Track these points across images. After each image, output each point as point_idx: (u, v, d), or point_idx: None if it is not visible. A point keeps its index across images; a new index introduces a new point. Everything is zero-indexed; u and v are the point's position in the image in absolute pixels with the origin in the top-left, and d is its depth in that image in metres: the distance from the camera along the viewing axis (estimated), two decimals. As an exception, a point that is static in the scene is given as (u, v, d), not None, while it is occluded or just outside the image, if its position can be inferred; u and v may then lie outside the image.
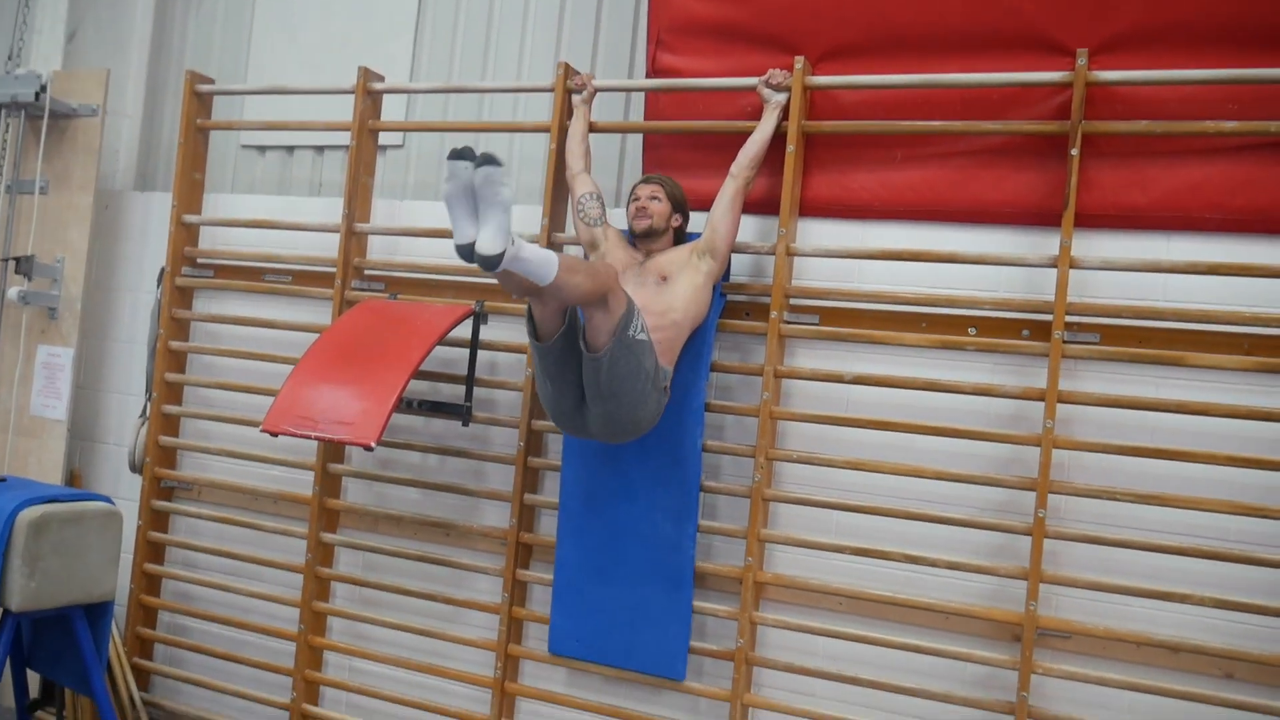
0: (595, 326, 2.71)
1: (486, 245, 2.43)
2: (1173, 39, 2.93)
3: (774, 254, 3.21)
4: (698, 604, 3.24)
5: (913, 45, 3.18)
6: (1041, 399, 2.91)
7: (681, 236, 3.24)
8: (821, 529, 3.20)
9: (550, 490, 3.50)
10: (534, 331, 2.80)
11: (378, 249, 3.91)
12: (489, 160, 2.42)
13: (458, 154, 2.44)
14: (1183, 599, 2.78)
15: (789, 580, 3.19)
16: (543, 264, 2.52)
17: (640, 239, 3.19)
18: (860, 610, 3.13)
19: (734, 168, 3.14)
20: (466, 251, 2.47)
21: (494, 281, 3.55)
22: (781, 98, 3.19)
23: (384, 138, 3.99)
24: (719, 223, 3.11)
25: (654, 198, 3.16)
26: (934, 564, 3.03)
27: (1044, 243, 3.01)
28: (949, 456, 3.06)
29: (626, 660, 3.27)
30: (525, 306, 2.79)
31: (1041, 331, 2.97)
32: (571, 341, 2.78)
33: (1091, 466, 2.94)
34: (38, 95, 4.19)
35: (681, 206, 3.21)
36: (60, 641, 3.55)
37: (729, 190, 3.12)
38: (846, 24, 3.24)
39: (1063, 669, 2.87)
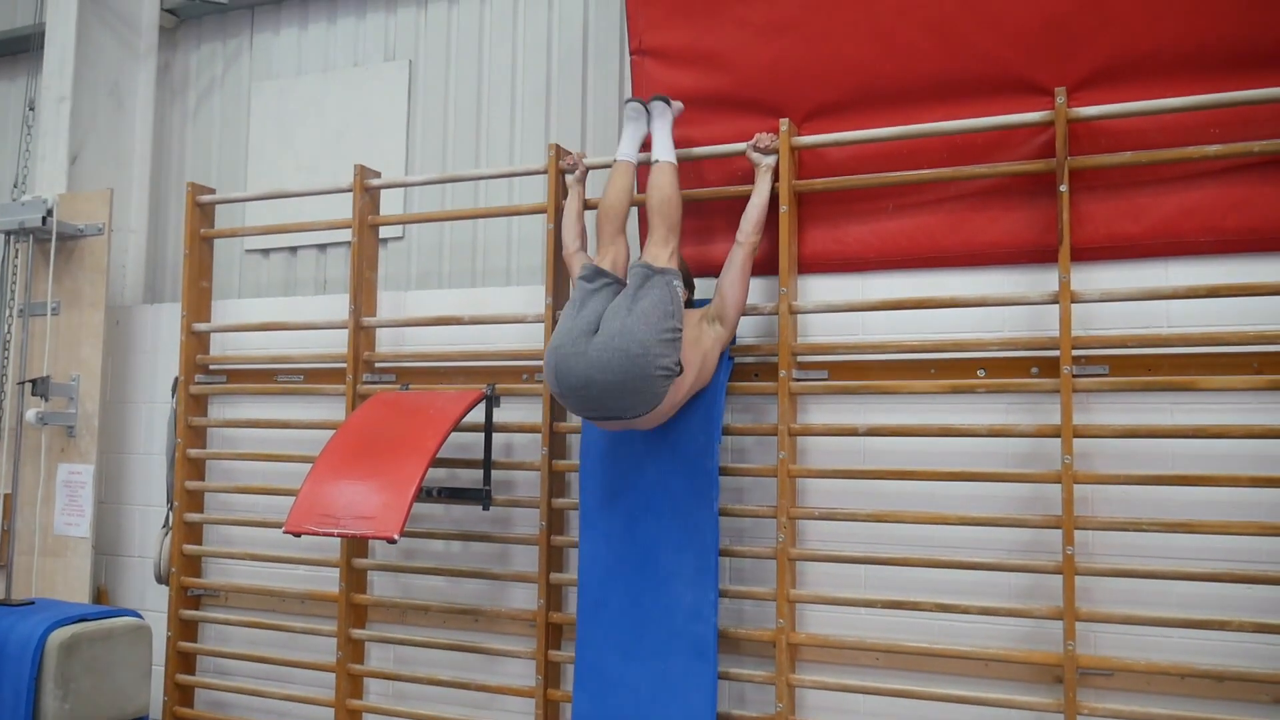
0: (652, 251, 3.08)
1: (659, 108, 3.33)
2: (1148, 69, 2.97)
3: (777, 314, 3.23)
4: (734, 670, 3.21)
5: (894, 98, 3.23)
6: (1057, 435, 2.91)
7: (690, 305, 3.27)
8: (850, 584, 3.18)
9: (575, 568, 3.48)
10: (594, 269, 3.10)
11: (386, 341, 3.95)
12: (663, 99, 3.35)
13: (634, 100, 3.37)
14: (1221, 626, 2.74)
15: (823, 639, 3.16)
16: (671, 146, 3.29)
17: None
18: (897, 664, 3.09)
19: (739, 235, 3.18)
20: (638, 99, 3.37)
21: (505, 364, 3.60)
22: (771, 160, 3.24)
23: (384, 231, 4.06)
24: (728, 290, 3.14)
25: None
26: (967, 610, 3.00)
27: (1043, 279, 3.03)
28: (970, 500, 3.05)
29: None
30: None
31: (1050, 368, 2.97)
32: (615, 288, 3.06)
33: (1115, 499, 2.92)
34: (44, 219, 4.29)
35: (687, 281, 3.24)
36: (97, 762, 3.53)
37: (737, 257, 3.16)
38: (827, 83, 3.31)
39: (1108, 708, 2.82)
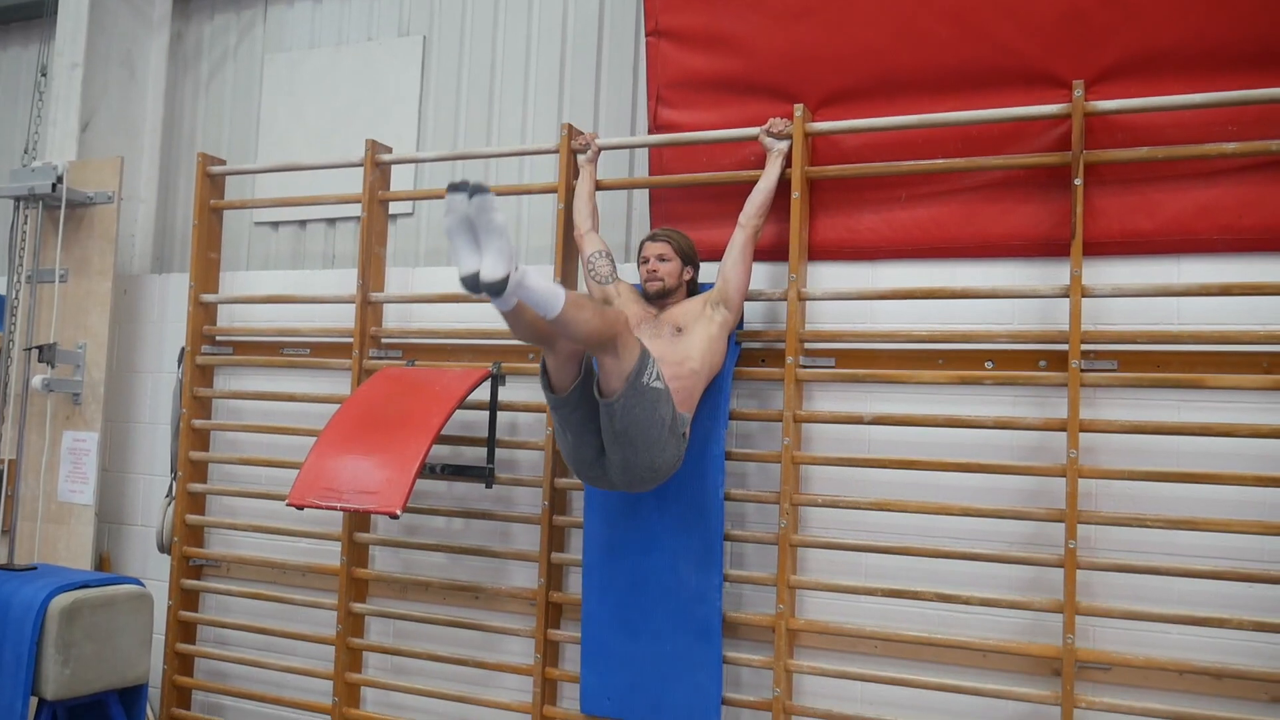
0: (607, 372, 2.69)
1: (489, 271, 2.42)
2: (1167, 65, 2.96)
3: (786, 300, 3.23)
4: (732, 654, 3.22)
5: (910, 87, 3.22)
6: (1063, 429, 2.90)
7: (694, 288, 3.27)
8: (851, 572, 3.18)
9: (577, 548, 3.49)
10: (548, 384, 2.80)
11: (393, 317, 3.95)
12: (478, 189, 2.43)
13: (454, 187, 2.46)
14: (1221, 623, 2.74)
15: (822, 626, 3.16)
16: (548, 295, 2.49)
17: (654, 298, 3.22)
18: (895, 652, 3.10)
19: (742, 218, 3.17)
20: (472, 281, 2.45)
21: (511, 343, 3.59)
22: (783, 145, 3.23)
23: (394, 207, 4.05)
24: (730, 273, 3.14)
25: (662, 258, 3.18)
26: (967, 601, 3.00)
27: (1054, 273, 3.03)
28: (974, 492, 3.05)
29: (657, 715, 3.23)
30: (540, 373, 2.81)
31: (1059, 361, 2.97)
32: (587, 393, 2.78)
33: (1119, 494, 2.92)
34: (54, 186, 4.28)
35: (691, 259, 3.23)
36: (96, 728, 3.55)
37: (739, 240, 3.15)
38: (843, 70, 3.29)
39: (1105, 701, 2.83)
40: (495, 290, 2.44)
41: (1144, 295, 2.91)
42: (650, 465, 2.86)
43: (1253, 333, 2.79)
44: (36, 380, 4.27)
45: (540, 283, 2.50)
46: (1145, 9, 2.95)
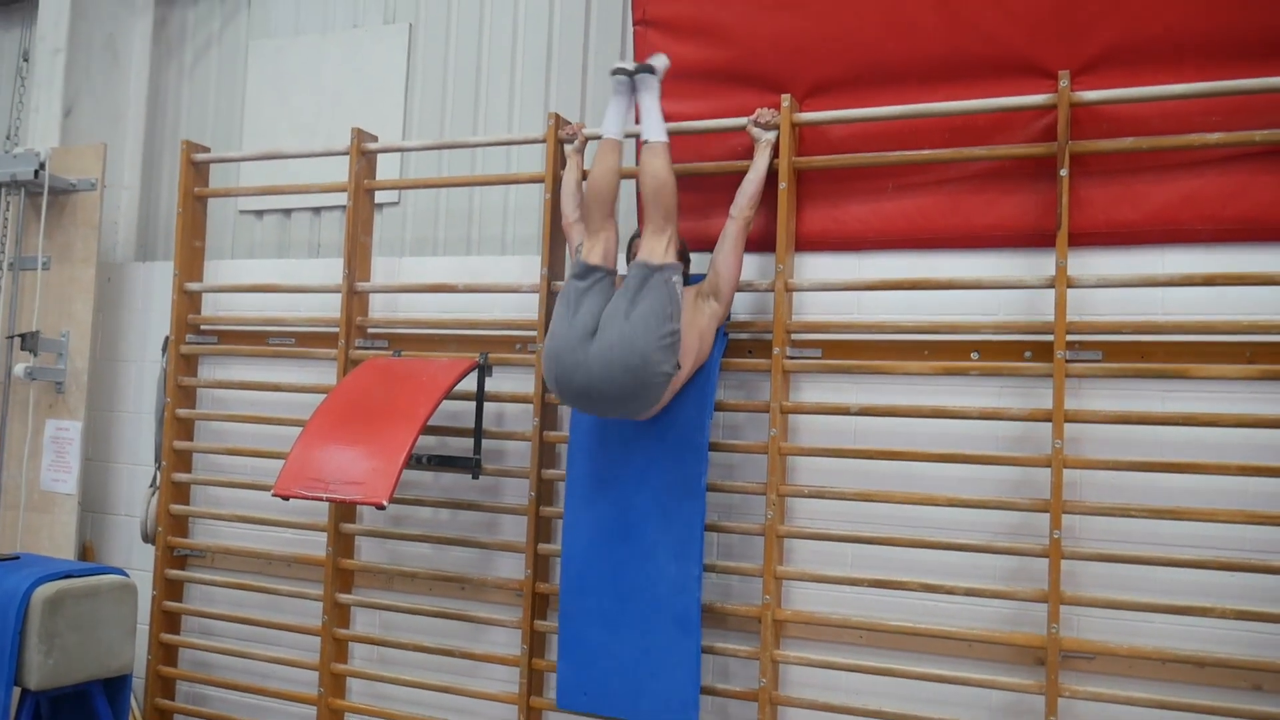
0: (648, 246, 3.00)
1: (654, 61, 3.21)
2: (1152, 55, 2.96)
3: (773, 291, 3.22)
4: (718, 645, 3.22)
5: (897, 77, 3.21)
6: (1048, 419, 2.91)
7: (685, 281, 3.25)
8: (837, 563, 3.19)
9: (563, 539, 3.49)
10: (580, 252, 3.10)
11: (379, 307, 3.93)
12: (646, 68, 3.18)
13: (620, 70, 3.21)
14: (1204, 612, 2.76)
15: (808, 616, 3.17)
16: (661, 122, 3.15)
17: None
18: (881, 642, 3.11)
19: (733, 209, 3.17)
20: (624, 69, 3.20)
21: (498, 334, 3.60)
22: (771, 136, 3.22)
23: (380, 196, 4.03)
24: (721, 265, 3.14)
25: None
26: (952, 591, 3.02)
27: (1040, 263, 3.03)
28: (960, 482, 3.06)
29: (635, 710, 3.18)
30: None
31: (1044, 352, 2.98)
32: (608, 280, 3.03)
33: (1103, 484, 2.93)
34: (37, 173, 4.25)
35: (683, 254, 3.23)
36: (80, 718, 3.53)
37: (730, 232, 3.15)
38: (830, 60, 3.28)
39: (1089, 690, 2.85)
40: (648, 69, 3.16)
41: (1129, 285, 2.92)
42: (640, 351, 2.87)
43: (1236, 322, 2.80)
44: (19, 368, 4.24)
45: (660, 111, 3.15)
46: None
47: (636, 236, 3.25)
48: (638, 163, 3.19)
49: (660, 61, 3.22)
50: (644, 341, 2.86)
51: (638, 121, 3.24)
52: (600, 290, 3.00)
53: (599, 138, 3.53)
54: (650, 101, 3.17)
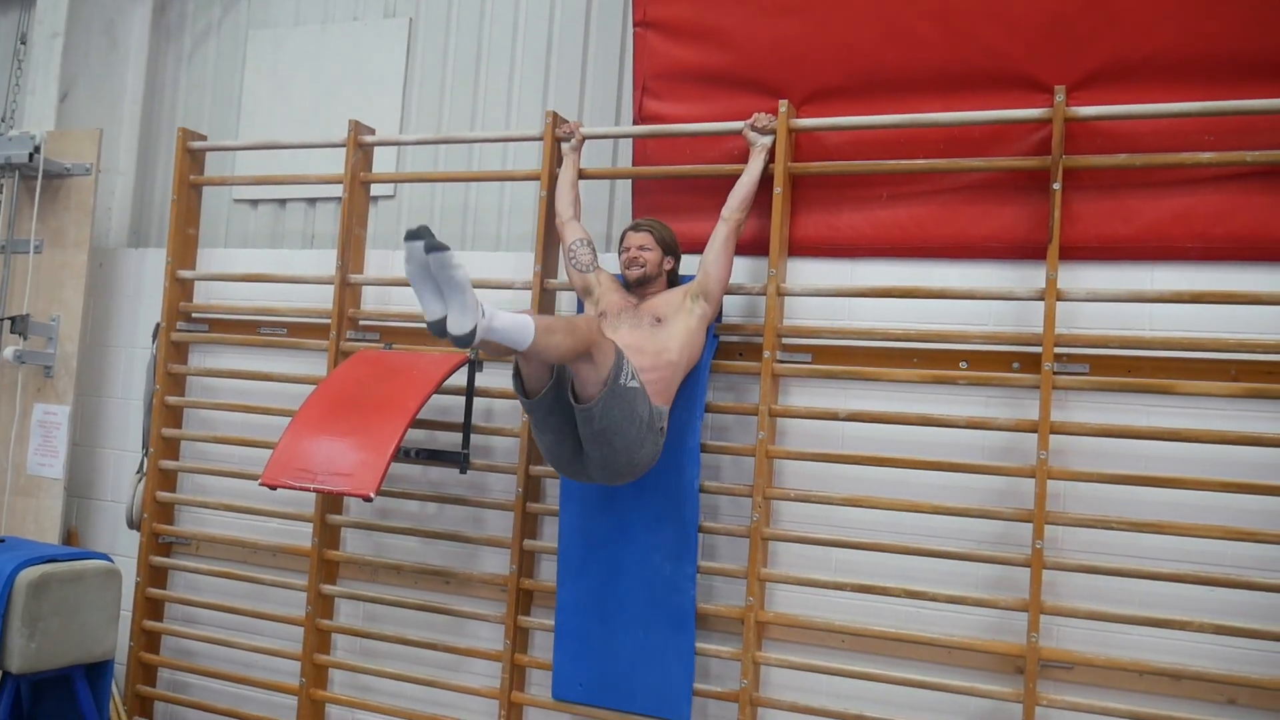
0: (583, 379, 2.69)
1: (456, 325, 2.44)
2: (1148, 73, 2.99)
3: (765, 294, 3.24)
4: (701, 645, 3.24)
5: (894, 86, 3.23)
6: (1034, 430, 2.94)
7: (674, 279, 3.27)
8: (821, 567, 3.21)
9: (549, 535, 3.50)
10: (522, 388, 2.79)
11: (372, 299, 3.94)
12: (435, 247, 2.39)
13: (411, 235, 2.42)
14: (1182, 626, 2.79)
15: (791, 619, 3.19)
16: (518, 330, 2.51)
17: (634, 286, 3.22)
18: (863, 647, 3.13)
19: (724, 211, 3.18)
20: (439, 328, 2.46)
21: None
22: (767, 140, 3.24)
23: (376, 189, 4.04)
24: (711, 266, 3.15)
25: (644, 247, 3.19)
26: (934, 598, 3.04)
27: (1030, 276, 3.06)
28: (945, 490, 3.08)
29: (629, 703, 3.26)
30: (512, 377, 2.82)
31: (1031, 363, 3.00)
32: (561, 394, 2.77)
33: (1086, 496, 2.96)
34: (31, 156, 4.24)
35: (672, 250, 3.24)
36: (61, 703, 3.52)
37: (721, 234, 3.16)
38: (829, 67, 3.30)
39: (1066, 700, 2.87)
40: (463, 343, 2.46)
41: (1117, 300, 2.95)
42: (629, 461, 2.88)
43: (1223, 340, 2.83)
44: (8, 351, 4.22)
45: (508, 321, 2.50)
46: (1128, 16, 2.99)
47: (631, 229, 3.25)
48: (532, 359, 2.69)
49: (464, 326, 2.43)
50: (628, 454, 2.85)
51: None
52: (560, 411, 2.80)
53: (596, 137, 3.56)
54: (495, 336, 2.49)
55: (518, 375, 2.79)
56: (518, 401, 3.53)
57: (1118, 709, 2.82)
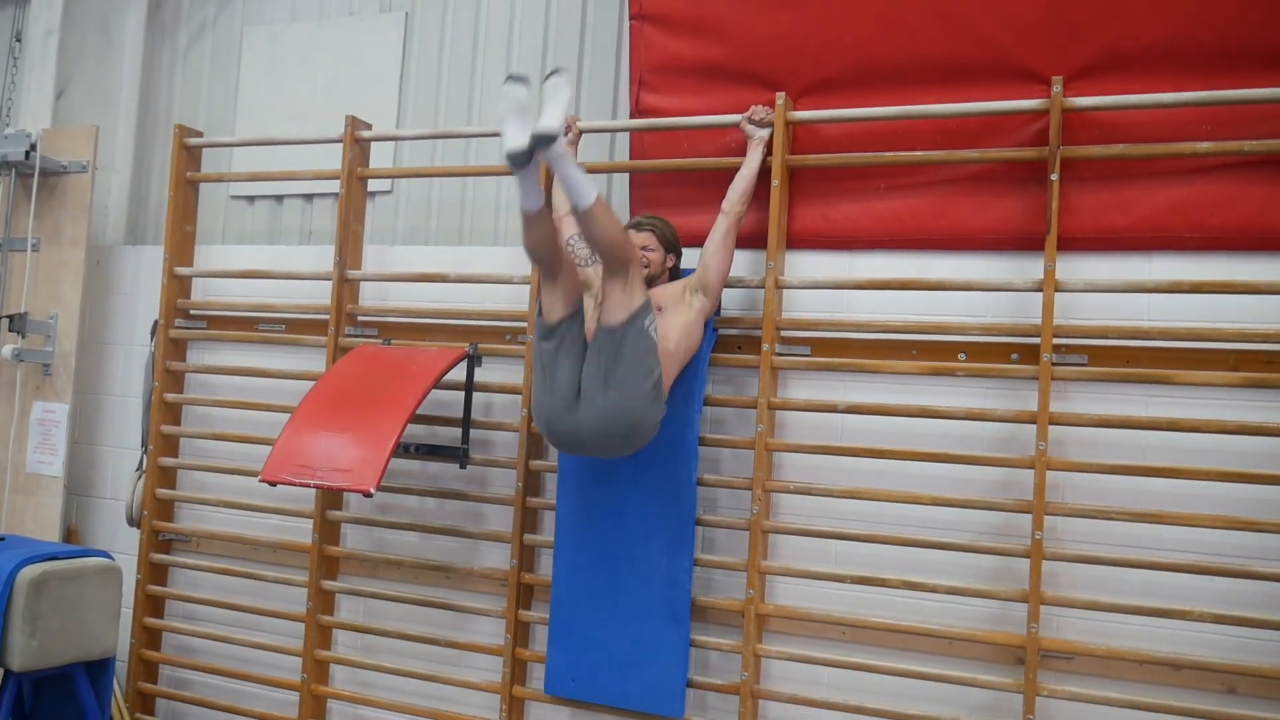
0: (612, 301, 2.81)
1: (547, 121, 2.63)
2: (1146, 63, 2.99)
3: (763, 287, 3.24)
4: (701, 638, 3.25)
5: (891, 78, 3.23)
6: (1033, 421, 2.94)
7: (676, 274, 3.27)
8: (821, 559, 3.21)
9: (549, 529, 3.50)
10: (541, 314, 2.91)
11: (370, 295, 3.94)
12: (556, 71, 2.79)
13: (514, 78, 2.77)
14: (1182, 615, 2.79)
15: (791, 611, 3.20)
16: (585, 181, 2.73)
17: None
18: (863, 639, 3.14)
19: (725, 205, 3.18)
20: (519, 153, 2.66)
21: (488, 324, 3.60)
22: (764, 133, 3.23)
23: (373, 184, 4.03)
24: (711, 260, 3.15)
25: (647, 248, 3.16)
26: (934, 589, 3.04)
27: (1028, 267, 3.05)
28: (944, 482, 3.09)
29: (623, 699, 3.24)
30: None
31: (1030, 355, 3.00)
32: (575, 330, 2.88)
33: (1086, 487, 2.96)
34: (28, 154, 4.23)
35: (674, 247, 3.24)
36: (62, 700, 3.53)
37: (721, 227, 3.16)
38: (826, 59, 3.30)
39: (1067, 690, 2.88)
40: (546, 141, 2.62)
41: (1116, 291, 2.95)
42: (629, 416, 2.85)
43: (1221, 330, 2.83)
44: (7, 350, 4.22)
45: (580, 169, 2.74)
46: (1124, 6, 2.98)
47: (633, 228, 3.25)
48: (580, 226, 2.89)
49: (553, 123, 2.66)
50: (629, 405, 2.83)
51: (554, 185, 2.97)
52: (570, 347, 2.87)
53: (593, 131, 3.56)
54: (566, 168, 2.74)
55: (539, 310, 2.93)
56: (517, 397, 3.54)
57: (1118, 699, 2.82)
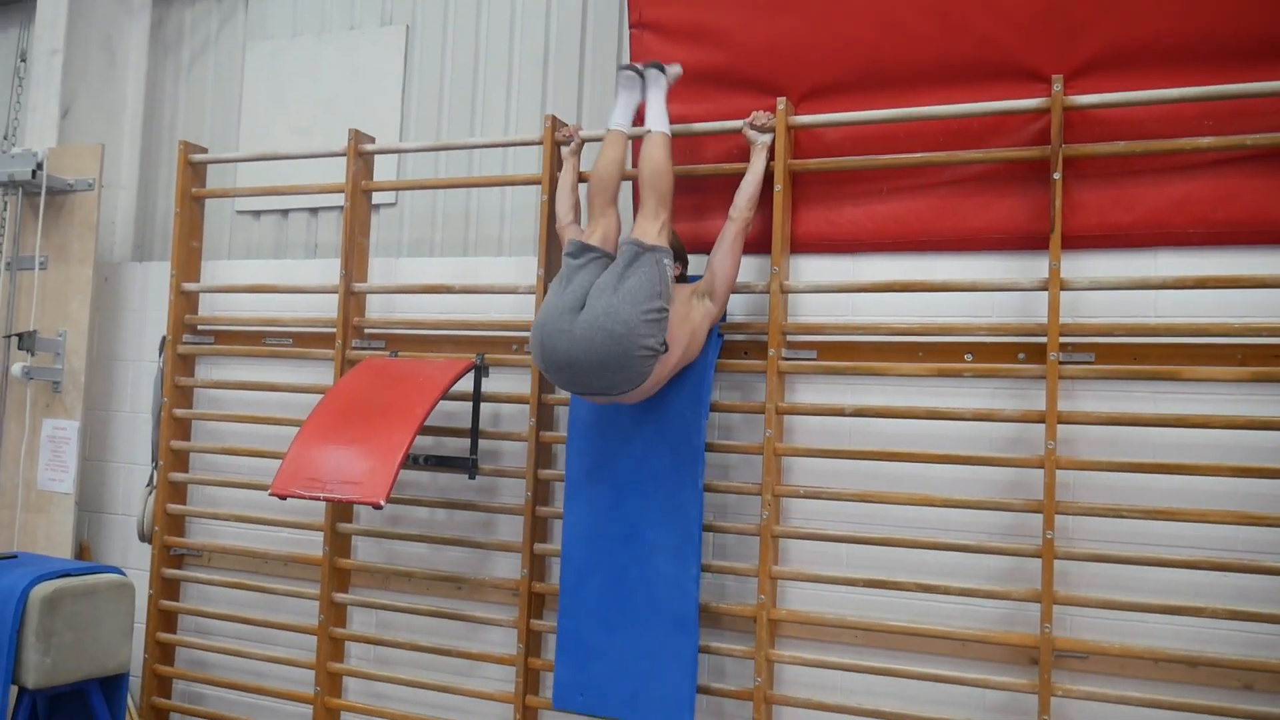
0: (644, 225, 3.06)
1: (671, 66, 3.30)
2: (1146, 59, 2.98)
3: (769, 292, 3.24)
4: (713, 645, 3.24)
5: (891, 80, 3.23)
6: (1042, 421, 2.93)
7: (682, 280, 3.27)
8: (832, 563, 3.21)
9: (559, 539, 3.49)
10: (580, 235, 3.16)
11: (376, 307, 3.95)
12: (657, 65, 3.30)
13: (628, 67, 3.33)
14: (1196, 612, 2.78)
15: (803, 616, 3.19)
16: (665, 116, 3.25)
17: None
18: (876, 642, 3.13)
19: (732, 211, 3.18)
20: (632, 66, 3.33)
21: (495, 334, 3.62)
22: (767, 138, 3.24)
23: (377, 197, 4.04)
24: (718, 266, 3.15)
25: None
26: (947, 591, 3.03)
27: (1033, 266, 3.05)
28: (954, 483, 3.08)
29: (631, 711, 3.19)
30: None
31: (1037, 354, 3.00)
32: (603, 261, 3.03)
33: (1096, 485, 2.95)
34: (34, 173, 4.26)
35: (681, 255, 3.24)
36: (77, 717, 3.54)
37: (729, 234, 3.16)
38: (826, 63, 3.30)
39: (1082, 690, 2.87)
40: (658, 66, 3.27)
41: (1121, 288, 2.94)
42: (626, 322, 2.84)
43: (1228, 325, 2.82)
44: (16, 368, 4.24)
45: (666, 105, 3.26)
46: (1123, 3, 2.98)
47: None
48: (638, 154, 3.24)
49: (673, 68, 3.33)
50: (629, 312, 2.86)
51: (641, 123, 3.29)
52: (594, 268, 3.02)
53: (595, 140, 3.56)
54: (657, 97, 3.27)
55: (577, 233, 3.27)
56: (524, 407, 3.54)
57: (1134, 697, 2.81)
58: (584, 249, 3.06)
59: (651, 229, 3.05)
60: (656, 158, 3.15)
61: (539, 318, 3.00)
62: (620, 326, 2.84)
